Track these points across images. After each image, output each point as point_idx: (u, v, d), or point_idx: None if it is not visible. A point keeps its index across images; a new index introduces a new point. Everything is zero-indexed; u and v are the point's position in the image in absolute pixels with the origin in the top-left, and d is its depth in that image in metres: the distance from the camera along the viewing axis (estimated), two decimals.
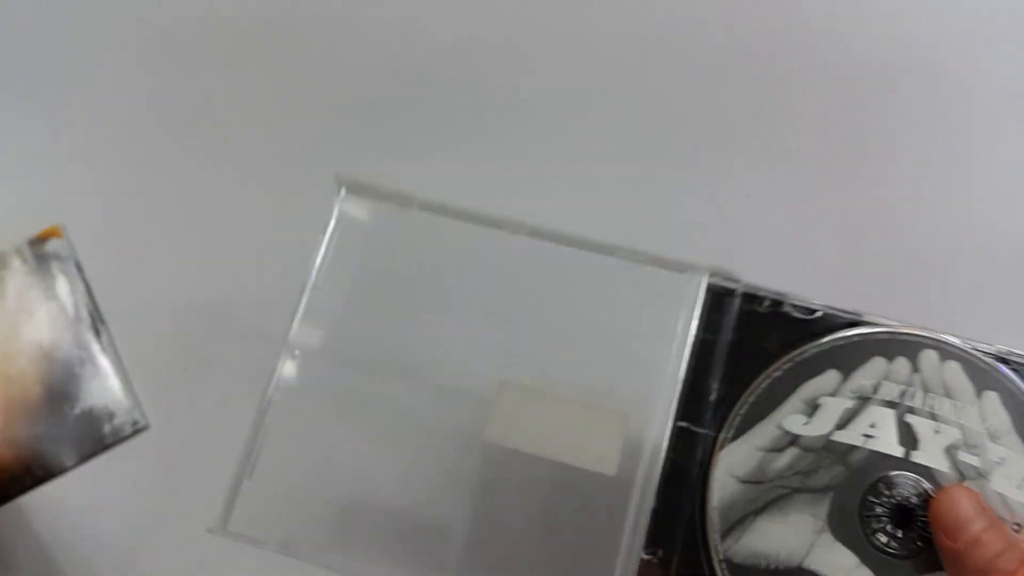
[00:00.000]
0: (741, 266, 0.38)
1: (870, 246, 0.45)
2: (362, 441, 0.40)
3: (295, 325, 0.40)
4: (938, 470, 0.35)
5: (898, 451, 0.36)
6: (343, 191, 0.41)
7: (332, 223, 0.41)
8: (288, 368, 0.40)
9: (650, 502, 0.36)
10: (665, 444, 0.37)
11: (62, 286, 0.51)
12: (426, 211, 0.41)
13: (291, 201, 0.52)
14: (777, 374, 0.37)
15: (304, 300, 0.41)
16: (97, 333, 0.51)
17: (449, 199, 0.40)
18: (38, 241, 0.52)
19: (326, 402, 0.41)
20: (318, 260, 0.41)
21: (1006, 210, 0.46)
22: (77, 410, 0.49)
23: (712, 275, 0.38)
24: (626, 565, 0.36)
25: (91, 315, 0.51)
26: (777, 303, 0.38)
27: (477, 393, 0.39)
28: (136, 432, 0.50)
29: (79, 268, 0.52)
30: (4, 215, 0.53)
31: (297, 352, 0.40)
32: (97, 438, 0.49)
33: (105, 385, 0.50)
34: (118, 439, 0.49)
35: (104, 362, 0.51)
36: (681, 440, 0.37)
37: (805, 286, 0.38)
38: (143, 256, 0.52)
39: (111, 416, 0.49)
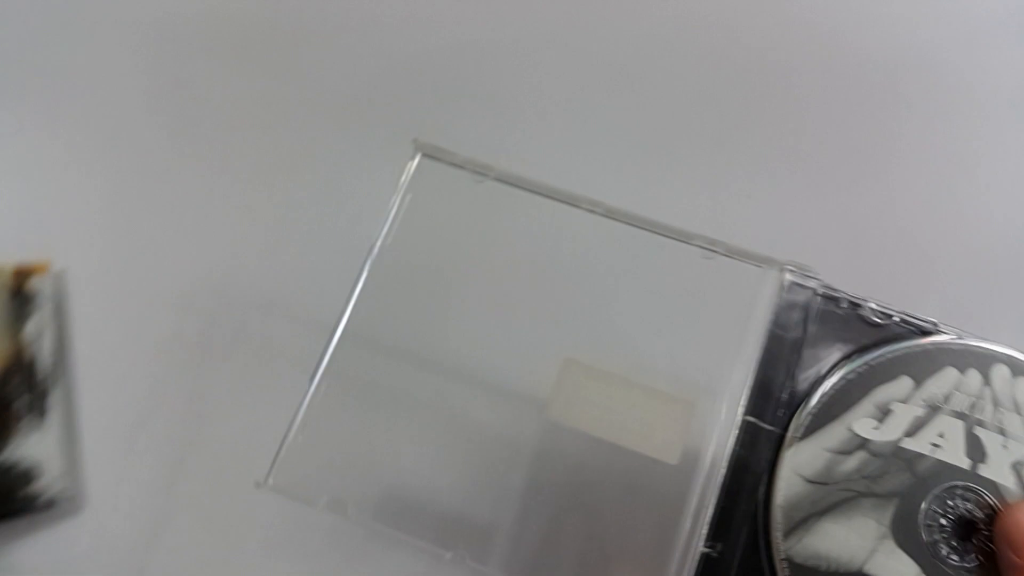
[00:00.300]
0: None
1: (945, 255, 0.45)
2: (418, 416, 0.39)
3: (353, 299, 0.39)
4: (1004, 485, 0.35)
5: (965, 463, 0.36)
6: (419, 156, 0.40)
7: (402, 189, 0.40)
8: (344, 343, 0.39)
9: (712, 495, 0.36)
10: (732, 437, 0.36)
11: (31, 327, 0.47)
12: (502, 182, 0.40)
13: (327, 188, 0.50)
14: (851, 376, 0.37)
15: (365, 272, 0.40)
16: (52, 385, 0.47)
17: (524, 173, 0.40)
18: (22, 272, 0.48)
19: (383, 376, 0.40)
20: (384, 229, 0.40)
21: None
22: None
23: (790, 271, 0.38)
24: (683, 558, 0.36)
25: (54, 364, 0.47)
26: (855, 305, 0.38)
27: (539, 373, 0.38)
28: (53, 504, 0.45)
29: (58, 312, 0.48)
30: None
31: (353, 328, 0.39)
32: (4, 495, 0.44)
33: (42, 442, 0.45)
34: (33, 506, 0.44)
35: (50, 418, 0.46)
36: (748, 435, 0.37)
37: (873, 291, 0.38)
38: (144, 256, 0.50)
39: (33, 478, 0.44)
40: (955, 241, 0.46)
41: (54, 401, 0.47)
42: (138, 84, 0.54)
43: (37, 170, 0.53)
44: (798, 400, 0.37)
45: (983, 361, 0.37)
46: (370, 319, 0.39)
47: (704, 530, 0.36)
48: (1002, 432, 0.36)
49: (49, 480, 0.45)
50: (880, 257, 0.46)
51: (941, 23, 0.50)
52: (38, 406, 0.46)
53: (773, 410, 0.37)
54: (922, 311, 0.37)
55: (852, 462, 0.36)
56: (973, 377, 0.37)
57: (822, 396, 0.37)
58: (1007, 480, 0.35)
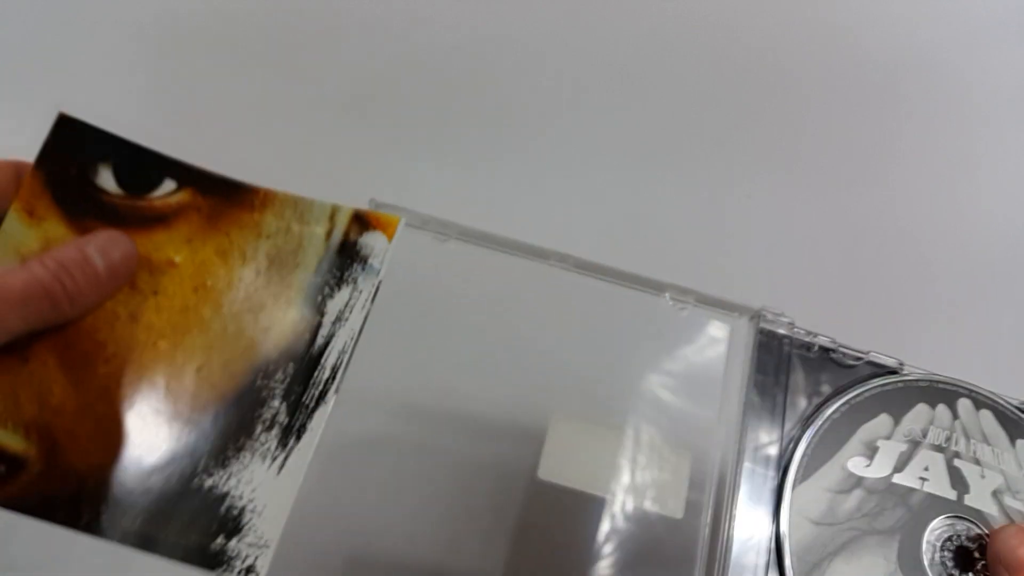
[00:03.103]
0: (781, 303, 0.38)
1: (904, 295, 0.46)
2: (400, 488, 0.35)
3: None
4: (988, 513, 0.36)
5: (951, 494, 0.36)
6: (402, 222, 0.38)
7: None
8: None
9: (721, 547, 0.34)
10: (732, 485, 0.35)
11: (339, 299, 0.34)
12: (466, 242, 0.38)
13: None
14: (836, 416, 0.37)
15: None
16: (325, 397, 0.33)
17: (487, 227, 0.38)
18: (367, 220, 0.35)
19: (357, 450, 0.35)
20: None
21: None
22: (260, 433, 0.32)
23: (762, 317, 0.38)
24: None
25: (343, 368, 0.33)
26: (827, 350, 0.38)
27: (524, 433, 0.36)
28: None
29: (375, 292, 0.34)
30: None
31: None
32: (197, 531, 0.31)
33: (271, 480, 0.32)
34: (225, 568, 0.30)
35: (300, 448, 0.32)
36: (747, 482, 0.35)
37: (845, 330, 0.39)
38: None
39: (240, 528, 0.31)
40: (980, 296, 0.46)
41: (317, 423, 0.32)
42: (138, 84, 0.50)
43: None
44: (789, 443, 0.36)
45: (948, 396, 0.38)
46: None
47: None
48: (977, 463, 0.37)
49: (257, 540, 0.31)
50: (895, 307, 0.45)
51: (941, 23, 0.52)
52: (296, 422, 0.32)
53: (768, 455, 0.36)
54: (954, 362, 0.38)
55: (852, 501, 0.35)
56: (943, 411, 0.38)
57: (812, 437, 0.36)
58: (991, 508, 0.36)
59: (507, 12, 0.54)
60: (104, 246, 0.33)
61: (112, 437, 0.32)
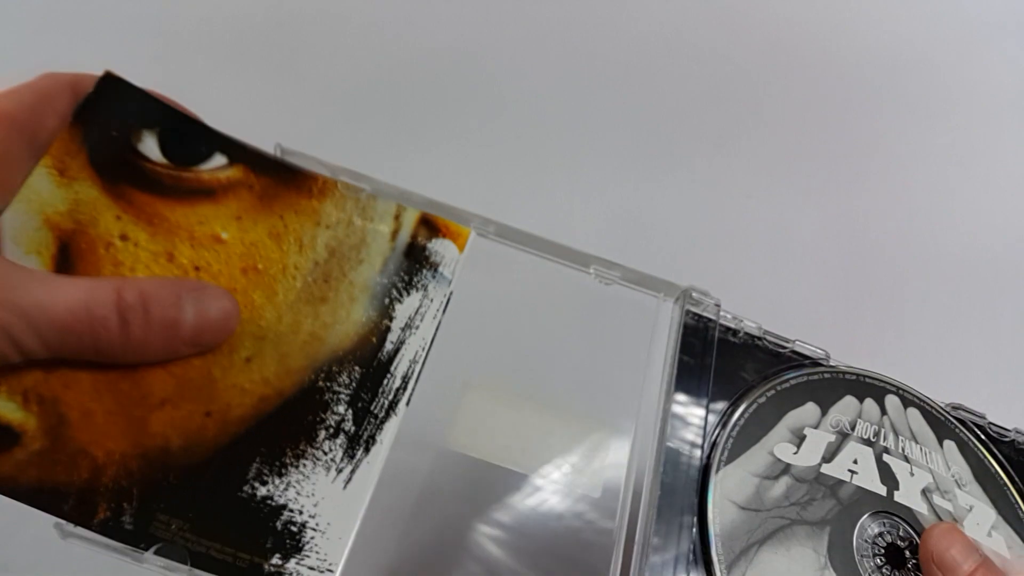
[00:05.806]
0: (720, 285, 0.36)
1: (847, 289, 0.45)
2: None
3: None
4: (918, 511, 0.34)
5: (881, 489, 0.34)
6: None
7: None
8: None
9: (642, 528, 0.31)
10: (654, 466, 0.32)
11: (408, 305, 0.32)
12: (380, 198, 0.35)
13: None
14: (762, 400, 0.35)
15: None
16: (395, 407, 0.30)
17: (405, 185, 0.36)
18: (434, 225, 0.34)
19: None
20: None
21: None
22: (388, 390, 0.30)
23: (688, 298, 0.36)
24: None
25: (414, 377, 0.31)
26: (752, 336, 0.36)
27: (439, 403, 0.32)
28: None
29: (447, 301, 0.33)
30: None
31: None
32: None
33: (335, 495, 0.29)
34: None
35: (369, 460, 0.29)
36: (670, 462, 0.33)
37: (782, 318, 0.37)
38: None
39: (300, 548, 0.28)
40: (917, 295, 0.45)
41: (386, 435, 0.30)
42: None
43: None
44: (714, 425, 0.34)
45: (876, 391, 0.36)
46: None
47: (632, 563, 0.30)
48: (907, 460, 0.35)
49: (320, 564, 0.27)
50: (834, 300, 0.45)
51: (942, 24, 0.53)
52: (364, 432, 0.30)
53: (692, 436, 0.33)
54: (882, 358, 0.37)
55: (779, 488, 0.33)
56: (871, 406, 0.36)
57: (738, 419, 0.34)
58: (921, 506, 0.34)
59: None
60: (203, 301, 0.28)
61: (139, 423, 0.27)
